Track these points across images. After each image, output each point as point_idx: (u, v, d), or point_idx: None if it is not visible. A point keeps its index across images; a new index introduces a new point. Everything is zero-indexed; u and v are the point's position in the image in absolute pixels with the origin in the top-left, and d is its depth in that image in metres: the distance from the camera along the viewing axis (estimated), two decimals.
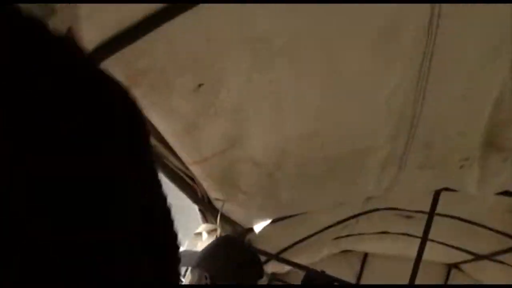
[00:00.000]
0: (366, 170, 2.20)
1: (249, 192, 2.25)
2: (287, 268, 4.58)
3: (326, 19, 1.44)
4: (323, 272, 3.70)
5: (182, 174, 2.06)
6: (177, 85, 1.49)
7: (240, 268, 1.73)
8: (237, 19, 1.36)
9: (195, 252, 1.85)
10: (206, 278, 1.68)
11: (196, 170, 2.01)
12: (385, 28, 1.51)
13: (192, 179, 2.15)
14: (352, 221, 3.51)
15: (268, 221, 2.99)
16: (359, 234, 4.02)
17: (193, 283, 1.73)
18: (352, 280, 4.52)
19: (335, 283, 3.72)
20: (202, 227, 2.52)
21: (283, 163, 2.06)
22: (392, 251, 4.23)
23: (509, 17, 1.50)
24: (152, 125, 1.65)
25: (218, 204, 2.37)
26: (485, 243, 3.34)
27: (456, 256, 3.78)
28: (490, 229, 3.00)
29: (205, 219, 2.59)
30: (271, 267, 4.39)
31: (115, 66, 1.34)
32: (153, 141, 1.77)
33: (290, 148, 1.96)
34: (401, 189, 2.53)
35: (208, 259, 1.75)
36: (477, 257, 3.68)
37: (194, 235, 2.62)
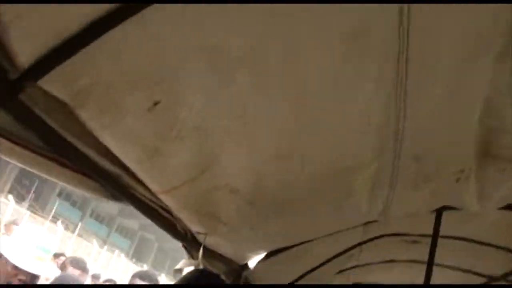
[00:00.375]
0: (355, 191, 2.05)
1: (230, 223, 2.10)
2: None
3: (287, 26, 1.34)
4: None
5: (155, 206, 1.92)
6: (128, 104, 1.37)
7: None
8: (189, 24, 1.25)
9: None
10: None
11: (167, 200, 1.87)
12: (352, 33, 1.40)
13: (169, 212, 2.01)
14: (355, 250, 3.34)
15: (262, 255, 2.82)
16: (366, 264, 3.83)
17: None
18: None
19: None
20: (183, 263, 2.36)
21: (262, 188, 1.92)
22: (403, 280, 4.03)
23: (488, 13, 1.39)
24: (110, 152, 1.53)
25: (201, 238, 2.22)
26: (495, 263, 3.17)
27: (468, 280, 3.58)
28: (498, 247, 2.84)
29: (191, 256, 2.45)
30: None
31: (54, 85, 1.23)
32: (116, 169, 1.65)
33: (268, 170, 1.83)
34: (398, 211, 2.38)
35: None
36: (490, 279, 3.48)
37: (174, 271, 2.47)
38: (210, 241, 2.26)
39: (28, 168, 1.48)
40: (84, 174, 1.58)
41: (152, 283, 3.71)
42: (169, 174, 1.70)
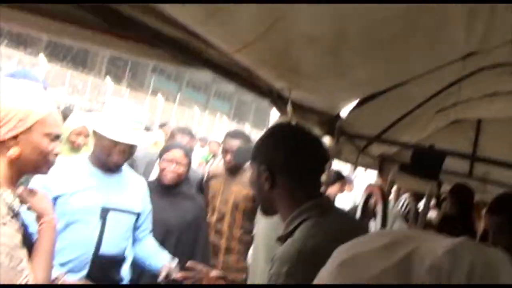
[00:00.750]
0: (451, 19, 1.81)
1: (313, 75, 1.96)
2: (393, 149, 4.33)
3: None
4: (432, 146, 3.39)
5: (232, 67, 1.82)
6: None
7: (299, 152, 1.56)
8: None
9: (251, 147, 1.71)
10: (265, 171, 1.55)
11: (243, 59, 1.75)
12: None
13: (248, 71, 1.91)
14: (455, 88, 3.11)
15: (354, 103, 2.70)
16: (467, 100, 3.59)
17: (253, 178, 1.61)
18: (468, 149, 4.14)
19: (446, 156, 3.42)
20: (276, 121, 2.31)
21: (345, 33, 1.74)
22: (507, 113, 3.76)
23: None
24: (173, 19, 1.42)
25: (286, 94, 2.13)
26: None
27: None
28: None
29: (281, 112, 2.39)
30: (375, 150, 4.16)
31: None
32: (184, 35, 1.54)
33: (350, 11, 1.62)
34: (500, 37, 2.10)
35: (264, 150, 1.60)
36: None
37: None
38: (297, 95, 2.17)
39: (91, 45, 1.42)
40: (147, 43, 1.50)
41: (244, 140, 3.75)
42: (237, 31, 1.56)
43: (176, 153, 3.09)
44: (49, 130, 1.61)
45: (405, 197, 5.51)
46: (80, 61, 30.88)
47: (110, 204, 2.40)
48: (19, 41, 27.05)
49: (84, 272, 2.33)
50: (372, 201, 3.97)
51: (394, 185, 4.86)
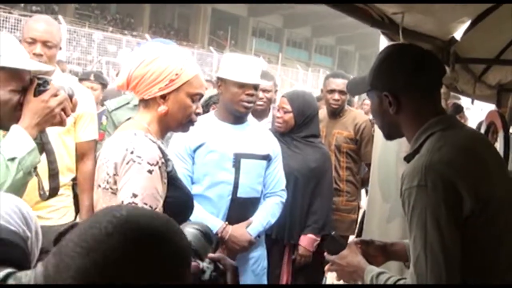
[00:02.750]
0: None
1: None
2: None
3: None
4: None
5: None
6: None
7: (420, 69, 1.55)
8: None
9: (362, 78, 1.74)
10: (387, 96, 1.56)
11: None
12: None
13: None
14: None
15: (467, 24, 2.62)
16: None
17: (375, 106, 1.63)
18: None
19: None
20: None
21: None
22: None
23: None
24: None
25: (398, 19, 2.13)
26: None
27: None
28: None
29: (391, 40, 2.40)
30: (492, 78, 3.99)
31: None
32: None
33: None
34: None
35: (383, 74, 1.60)
36: None
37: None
38: (409, 20, 2.16)
39: None
40: None
41: (346, 77, 3.76)
42: None
43: (281, 100, 3.21)
44: (194, 91, 1.78)
45: None
46: (182, 36, 31.93)
47: (241, 151, 2.60)
48: (123, 26, 28.53)
49: (225, 213, 2.58)
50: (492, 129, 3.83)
51: None
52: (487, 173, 1.48)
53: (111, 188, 1.65)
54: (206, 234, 1.15)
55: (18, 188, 1.62)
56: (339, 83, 3.69)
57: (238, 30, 36.32)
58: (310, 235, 3.09)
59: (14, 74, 1.59)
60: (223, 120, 2.66)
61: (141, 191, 1.59)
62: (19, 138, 1.58)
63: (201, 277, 1.00)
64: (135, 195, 1.58)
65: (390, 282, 1.52)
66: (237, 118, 2.65)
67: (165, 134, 1.86)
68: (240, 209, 2.60)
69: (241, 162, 2.59)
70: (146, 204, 1.58)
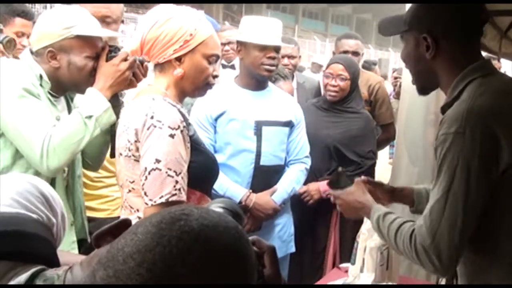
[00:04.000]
0: None
1: None
2: None
3: None
4: None
5: None
6: None
7: (463, 13, 1.48)
8: None
9: (396, 17, 1.64)
10: (426, 39, 1.48)
11: None
12: None
13: None
14: None
15: None
16: None
17: (410, 50, 1.55)
18: None
19: None
20: None
21: None
22: None
23: None
24: None
25: None
26: None
27: None
28: None
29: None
30: None
31: None
32: None
33: None
34: None
35: (423, 15, 1.51)
36: None
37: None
38: None
39: None
40: None
41: (359, 38, 3.72)
42: None
43: (335, 67, 3.05)
44: (210, 52, 1.72)
45: None
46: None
47: (263, 119, 2.56)
48: (137, 5, 28.41)
49: (249, 182, 2.56)
50: None
51: None
52: None
53: (134, 156, 1.62)
54: (234, 212, 1.05)
55: (99, 146, 1.91)
56: (352, 44, 3.63)
57: (252, 4, 35.90)
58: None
59: (88, 41, 1.79)
60: (243, 87, 2.61)
61: (164, 156, 1.55)
62: (95, 99, 1.77)
63: None
64: (158, 161, 1.55)
65: (395, 223, 1.49)
66: (258, 84, 2.60)
67: (183, 98, 1.82)
68: (264, 177, 2.58)
69: (263, 130, 2.55)
70: (170, 169, 1.55)
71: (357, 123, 3.08)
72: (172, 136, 1.57)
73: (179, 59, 1.69)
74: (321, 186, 2.93)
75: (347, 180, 1.82)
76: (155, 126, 1.57)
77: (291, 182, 2.66)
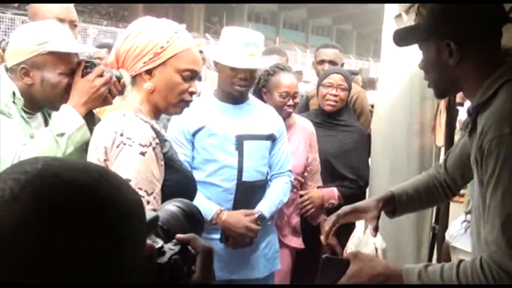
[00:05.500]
0: None
1: None
2: None
3: None
4: None
5: None
6: None
7: (487, 15, 1.42)
8: None
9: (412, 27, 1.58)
10: (449, 45, 1.42)
11: None
12: None
13: None
14: None
15: None
16: None
17: (431, 58, 1.48)
18: None
19: None
20: (399, 8, 2.19)
21: None
22: None
23: None
24: None
25: None
26: None
27: None
28: None
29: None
30: None
31: None
32: None
33: None
34: None
35: (445, 21, 1.45)
36: None
37: (395, 18, 2.32)
38: None
39: None
40: None
41: (338, 48, 3.69)
42: None
43: (335, 77, 3.00)
44: (184, 66, 1.62)
45: None
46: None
47: (244, 133, 2.46)
48: (118, 19, 28.31)
49: (231, 199, 2.44)
50: None
51: None
52: None
53: None
54: (189, 214, 0.97)
55: None
56: (330, 53, 3.62)
57: (233, 16, 35.98)
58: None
59: (62, 57, 1.74)
60: (223, 100, 2.51)
61: (135, 175, 1.46)
62: (68, 116, 1.72)
63: (159, 260, 0.79)
64: (128, 180, 1.45)
65: (447, 267, 1.33)
66: (238, 98, 2.50)
67: (159, 114, 1.71)
68: (247, 193, 2.46)
69: (244, 144, 2.45)
70: (141, 189, 1.46)
71: (351, 137, 3.03)
72: (143, 153, 1.49)
73: (149, 72, 1.61)
74: (325, 194, 2.86)
75: (339, 261, 1.55)
76: (124, 144, 1.49)
77: (278, 194, 2.56)
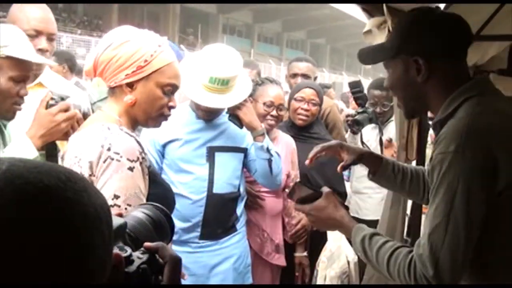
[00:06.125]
0: None
1: None
2: (486, 57, 4.05)
3: None
4: None
5: None
6: None
7: (453, 32, 1.44)
8: None
9: (376, 45, 1.60)
10: (417, 61, 1.43)
11: None
12: None
13: None
14: None
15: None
16: None
17: (399, 75, 1.49)
18: None
19: None
20: (370, 23, 2.21)
21: None
22: None
23: None
24: None
25: None
26: None
27: None
28: None
29: (371, 16, 2.29)
30: (469, 58, 3.90)
31: None
32: None
33: None
34: None
35: (413, 38, 1.47)
36: None
37: (364, 34, 2.33)
38: None
39: None
40: None
41: (311, 62, 3.72)
42: None
43: (308, 91, 2.99)
44: (166, 81, 1.59)
45: None
46: None
47: (215, 144, 2.43)
48: (92, 28, 28.08)
49: (201, 211, 2.40)
50: None
51: None
52: None
53: None
54: (156, 222, 0.94)
55: None
56: (302, 67, 3.63)
57: (208, 28, 36.03)
58: None
59: (17, 63, 1.67)
60: (197, 112, 2.47)
61: (123, 191, 1.42)
62: (23, 146, 1.67)
63: (126, 269, 0.77)
64: (116, 197, 1.41)
65: (387, 248, 1.39)
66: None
67: (136, 126, 1.67)
68: (218, 205, 2.42)
69: (216, 156, 2.42)
70: (129, 205, 1.41)
71: None
72: (131, 169, 1.44)
73: (130, 85, 1.57)
74: None
75: (307, 190, 1.66)
76: (112, 159, 1.44)
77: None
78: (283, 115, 2.84)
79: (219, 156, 2.42)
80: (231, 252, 2.50)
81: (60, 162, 1.65)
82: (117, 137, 1.47)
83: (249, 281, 2.61)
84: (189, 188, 2.37)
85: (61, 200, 0.57)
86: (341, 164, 1.81)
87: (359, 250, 1.48)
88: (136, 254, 0.80)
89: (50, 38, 2.19)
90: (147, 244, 0.83)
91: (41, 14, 2.17)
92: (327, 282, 2.01)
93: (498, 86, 3.34)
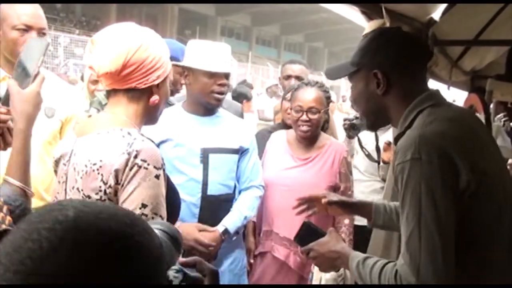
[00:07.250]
0: None
1: None
2: (485, 62, 4.06)
3: None
4: None
5: None
6: None
7: (411, 48, 1.52)
8: None
9: (342, 63, 1.65)
10: (377, 75, 1.49)
11: None
12: None
13: None
14: None
15: (444, 5, 2.54)
16: None
17: (361, 89, 1.56)
18: None
19: None
20: (370, 26, 2.21)
21: None
22: None
23: None
24: None
25: None
26: None
27: None
28: None
29: (369, 18, 2.29)
30: (467, 63, 3.92)
31: None
32: None
33: None
34: None
35: (373, 53, 1.53)
36: None
37: (364, 36, 2.33)
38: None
39: None
40: None
41: (304, 64, 3.76)
42: None
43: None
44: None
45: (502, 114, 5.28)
46: None
47: (209, 146, 2.41)
48: (90, 28, 28.05)
49: (196, 213, 2.38)
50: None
51: (492, 95, 4.62)
52: (482, 145, 1.42)
53: (110, 200, 1.42)
54: (173, 236, 0.93)
55: None
56: (296, 69, 3.66)
57: (206, 30, 36.03)
58: None
59: None
60: (191, 112, 2.47)
61: (151, 200, 1.40)
62: None
63: None
64: (144, 206, 1.39)
65: (377, 266, 1.42)
66: (207, 110, 2.46)
67: (141, 128, 1.63)
68: (212, 207, 2.40)
69: (210, 157, 2.40)
70: (156, 214, 1.40)
71: None
72: (157, 177, 1.42)
73: (157, 85, 1.56)
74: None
75: (317, 231, 1.74)
76: (139, 167, 1.40)
77: (244, 209, 2.48)
78: (316, 118, 2.67)
79: (213, 158, 2.41)
80: (227, 254, 2.49)
81: (57, 166, 1.59)
82: (142, 143, 1.43)
83: (245, 282, 2.60)
84: (183, 189, 2.33)
85: (131, 247, 0.60)
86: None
87: (356, 275, 1.52)
88: (171, 273, 0.80)
89: (41, 33, 2.17)
90: (182, 260, 0.85)
91: (31, 10, 2.15)
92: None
93: (496, 91, 3.37)
